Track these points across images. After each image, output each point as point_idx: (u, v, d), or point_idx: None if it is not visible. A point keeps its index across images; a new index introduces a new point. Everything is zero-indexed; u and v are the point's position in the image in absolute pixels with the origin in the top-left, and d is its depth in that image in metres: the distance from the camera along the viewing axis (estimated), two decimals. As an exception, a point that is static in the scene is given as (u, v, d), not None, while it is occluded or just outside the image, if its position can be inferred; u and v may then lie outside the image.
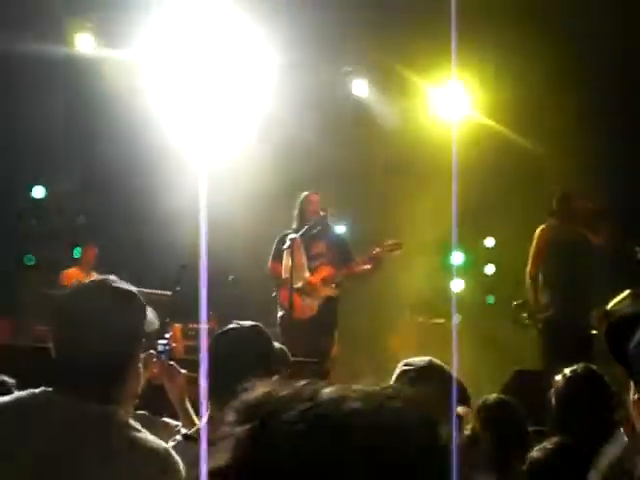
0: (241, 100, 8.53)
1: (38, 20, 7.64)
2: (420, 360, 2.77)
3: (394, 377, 2.76)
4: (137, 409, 3.24)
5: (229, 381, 2.62)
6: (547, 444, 2.95)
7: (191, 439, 2.66)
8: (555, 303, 6.85)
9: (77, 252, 8.92)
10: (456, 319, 9.66)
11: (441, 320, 8.86)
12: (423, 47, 8.00)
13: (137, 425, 2.05)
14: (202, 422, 2.86)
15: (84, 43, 8.25)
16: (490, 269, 9.91)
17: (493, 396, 3.38)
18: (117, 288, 2.15)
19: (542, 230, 7.11)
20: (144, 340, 2.20)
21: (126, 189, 8.85)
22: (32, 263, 9.05)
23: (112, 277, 2.19)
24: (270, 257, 7.04)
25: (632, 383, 1.63)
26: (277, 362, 2.92)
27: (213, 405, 2.69)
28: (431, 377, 2.62)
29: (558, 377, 3.33)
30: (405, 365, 2.76)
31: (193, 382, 2.93)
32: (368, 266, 6.99)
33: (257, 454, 0.90)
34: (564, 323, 6.66)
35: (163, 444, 2.05)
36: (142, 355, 2.20)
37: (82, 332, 2.04)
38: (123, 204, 8.95)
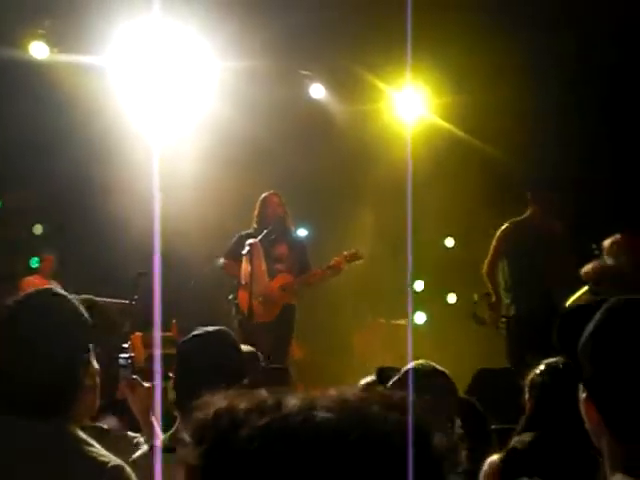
0: (197, 106, 8.48)
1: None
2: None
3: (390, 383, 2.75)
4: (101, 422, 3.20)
5: (197, 389, 2.59)
6: (524, 437, 2.96)
7: (163, 449, 2.62)
8: (517, 302, 6.90)
9: (34, 262, 8.82)
10: (421, 319, 9.71)
11: (402, 321, 8.89)
12: (380, 49, 8.02)
13: (88, 439, 2.00)
14: (157, 433, 2.83)
15: (38, 50, 8.14)
16: (451, 269, 9.95)
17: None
18: (58, 299, 2.07)
19: (503, 229, 7.17)
20: (91, 351, 2.12)
21: (83, 197, 8.76)
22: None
23: (53, 287, 2.15)
24: (224, 254, 6.99)
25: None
26: (247, 366, 2.88)
27: (181, 415, 2.66)
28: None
29: (536, 371, 3.29)
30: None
31: (163, 393, 2.89)
32: (326, 273, 6.99)
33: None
34: (528, 321, 6.68)
35: (114, 459, 1.98)
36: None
37: (21, 348, 1.98)
38: (80, 212, 8.85)
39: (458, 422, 2.71)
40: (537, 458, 2.85)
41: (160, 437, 3.10)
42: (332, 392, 0.87)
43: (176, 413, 2.68)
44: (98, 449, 1.98)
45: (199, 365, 2.68)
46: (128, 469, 1.98)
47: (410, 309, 8.56)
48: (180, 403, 2.66)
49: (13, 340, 2.00)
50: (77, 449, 1.95)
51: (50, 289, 2.12)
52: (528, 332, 6.49)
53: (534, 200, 7.12)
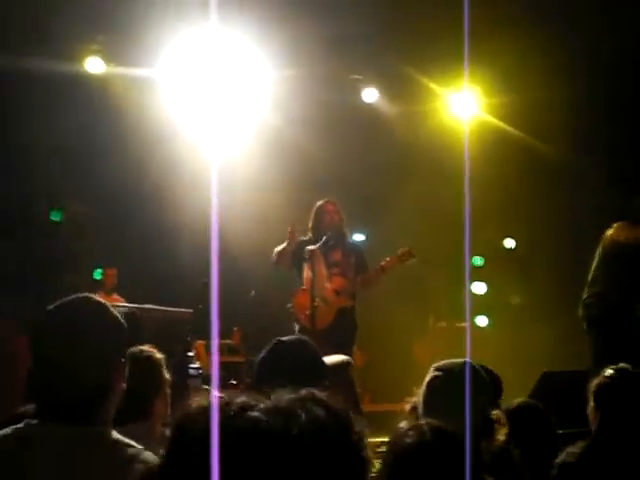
0: (249, 115, 8.54)
1: (49, 41, 7.69)
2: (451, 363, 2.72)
3: (426, 381, 2.70)
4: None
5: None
6: (574, 448, 2.89)
7: None
8: None
9: (97, 274, 8.94)
10: (484, 322, 9.60)
11: (464, 324, 8.80)
12: (434, 52, 7.97)
13: (130, 441, 2.00)
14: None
15: (93, 65, 8.30)
16: (512, 271, 9.83)
17: (519, 400, 3.33)
18: (91, 305, 2.09)
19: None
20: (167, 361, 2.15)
21: (142, 207, 8.87)
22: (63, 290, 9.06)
23: (88, 294, 2.14)
24: (278, 248, 6.95)
25: None
26: (327, 374, 2.85)
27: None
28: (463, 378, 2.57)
29: (605, 375, 3.18)
30: (437, 370, 2.70)
31: None
32: (379, 273, 6.94)
33: (167, 465, 0.95)
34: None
35: (148, 454, 1.99)
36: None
37: (61, 355, 1.99)
38: (140, 223, 8.97)
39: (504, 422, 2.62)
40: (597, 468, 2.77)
41: None
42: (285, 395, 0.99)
43: None
44: (142, 450, 1.99)
45: (281, 373, 2.65)
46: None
47: (469, 312, 8.47)
48: None
49: (48, 348, 2.01)
50: (123, 453, 1.96)
51: (84, 296, 2.12)
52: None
53: None
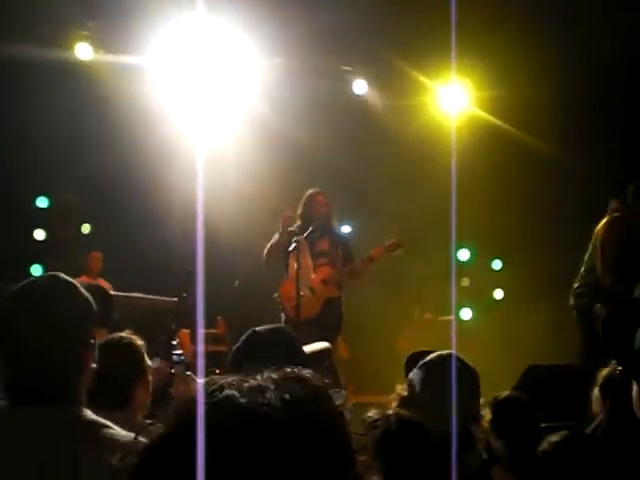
0: (238, 104, 8.51)
1: (37, 28, 7.64)
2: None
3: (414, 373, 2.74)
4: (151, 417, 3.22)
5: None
6: (555, 437, 2.90)
7: None
8: None
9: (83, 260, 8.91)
10: (468, 315, 9.63)
11: (450, 317, 8.82)
12: (424, 44, 7.96)
13: (104, 421, 1.98)
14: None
15: (82, 51, 8.25)
16: (497, 264, 9.86)
17: (505, 393, 3.34)
18: (59, 283, 2.04)
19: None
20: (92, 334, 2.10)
21: (129, 195, 8.84)
22: (40, 273, 9.03)
23: (55, 273, 2.08)
24: (269, 244, 6.94)
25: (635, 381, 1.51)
26: (306, 362, 2.85)
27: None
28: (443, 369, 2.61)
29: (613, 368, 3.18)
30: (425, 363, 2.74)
31: None
32: (367, 263, 6.96)
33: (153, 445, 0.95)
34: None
35: (129, 435, 1.95)
36: (154, 365, 2.12)
37: (31, 333, 1.95)
38: (127, 211, 8.94)
39: (488, 414, 2.68)
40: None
41: None
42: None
43: None
44: (115, 429, 1.96)
45: (251, 363, 2.65)
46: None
47: (454, 304, 8.48)
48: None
49: (16, 328, 1.97)
50: (95, 433, 1.93)
51: (52, 274, 2.07)
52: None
53: None
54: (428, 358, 2.80)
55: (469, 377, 2.71)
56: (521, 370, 5.28)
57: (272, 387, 0.95)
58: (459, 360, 2.74)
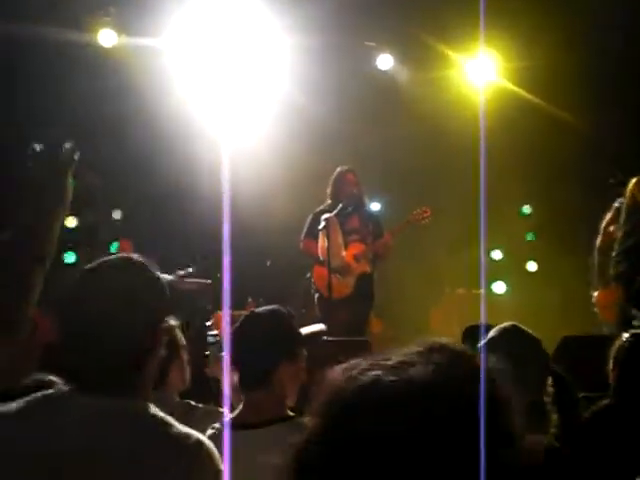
0: (262, 83, 8.48)
1: (62, 13, 7.65)
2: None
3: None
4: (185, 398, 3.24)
5: (253, 366, 2.64)
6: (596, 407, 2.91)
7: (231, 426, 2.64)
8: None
9: (114, 247, 8.96)
10: (501, 288, 9.58)
11: (482, 291, 8.78)
12: (449, 16, 7.88)
13: (167, 418, 1.89)
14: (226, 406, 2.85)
15: (106, 37, 8.26)
16: (530, 236, 9.79)
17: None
18: (134, 265, 1.94)
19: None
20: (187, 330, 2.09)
21: (159, 180, 8.86)
22: (72, 261, 9.10)
23: (133, 255, 1.98)
24: (303, 235, 7.00)
25: None
26: (302, 343, 2.88)
27: (242, 389, 2.69)
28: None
29: (622, 339, 3.20)
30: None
31: None
32: (395, 236, 6.96)
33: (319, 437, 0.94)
34: None
35: (195, 436, 1.87)
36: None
37: (93, 322, 1.85)
38: (157, 196, 8.96)
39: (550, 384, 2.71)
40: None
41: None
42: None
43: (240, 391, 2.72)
44: (177, 427, 1.88)
45: (252, 343, 2.70)
46: (209, 444, 1.88)
47: (484, 278, 8.44)
48: (239, 379, 2.70)
49: (85, 311, 1.88)
50: (157, 430, 1.85)
51: (126, 256, 1.97)
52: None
53: None
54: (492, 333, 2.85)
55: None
56: (556, 342, 5.25)
57: (416, 360, 0.95)
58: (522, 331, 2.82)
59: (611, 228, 6.19)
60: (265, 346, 2.68)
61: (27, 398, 1.84)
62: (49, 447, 1.77)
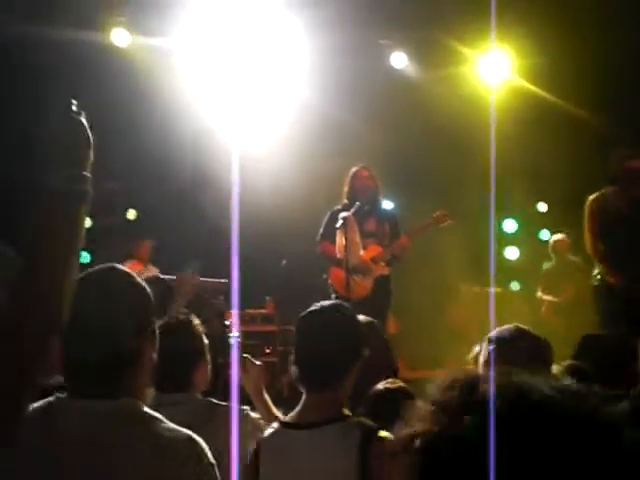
0: (277, 84, 8.47)
1: (74, 13, 7.65)
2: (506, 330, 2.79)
3: (483, 351, 2.75)
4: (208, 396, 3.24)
5: (320, 365, 2.60)
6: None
7: (289, 425, 2.64)
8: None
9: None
10: (515, 287, 9.55)
11: (498, 289, 8.75)
12: (462, 12, 7.84)
13: (158, 416, 1.96)
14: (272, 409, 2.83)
15: (119, 37, 8.27)
16: (545, 235, 9.75)
17: (567, 362, 3.31)
18: (116, 274, 2.04)
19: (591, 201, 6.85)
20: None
21: (173, 181, 8.87)
22: (87, 260, 9.11)
23: (114, 264, 2.07)
24: (319, 235, 6.98)
25: None
26: (369, 336, 2.85)
27: (307, 389, 2.66)
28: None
29: None
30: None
31: (269, 370, 2.91)
32: (413, 239, 6.94)
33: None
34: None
35: (186, 432, 1.94)
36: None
37: (85, 326, 1.93)
38: (172, 196, 8.98)
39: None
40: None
41: (276, 413, 3.13)
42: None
43: (301, 389, 2.68)
44: (168, 425, 1.94)
45: (319, 341, 2.67)
46: (200, 440, 1.94)
47: (493, 276, 8.42)
48: (304, 377, 2.67)
49: (81, 311, 1.92)
50: (149, 428, 1.91)
51: (110, 265, 2.06)
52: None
53: None
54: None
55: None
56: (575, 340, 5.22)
57: (590, 394, 0.97)
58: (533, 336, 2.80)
59: None
60: (340, 352, 2.64)
61: (35, 404, 1.91)
62: (49, 452, 1.85)
